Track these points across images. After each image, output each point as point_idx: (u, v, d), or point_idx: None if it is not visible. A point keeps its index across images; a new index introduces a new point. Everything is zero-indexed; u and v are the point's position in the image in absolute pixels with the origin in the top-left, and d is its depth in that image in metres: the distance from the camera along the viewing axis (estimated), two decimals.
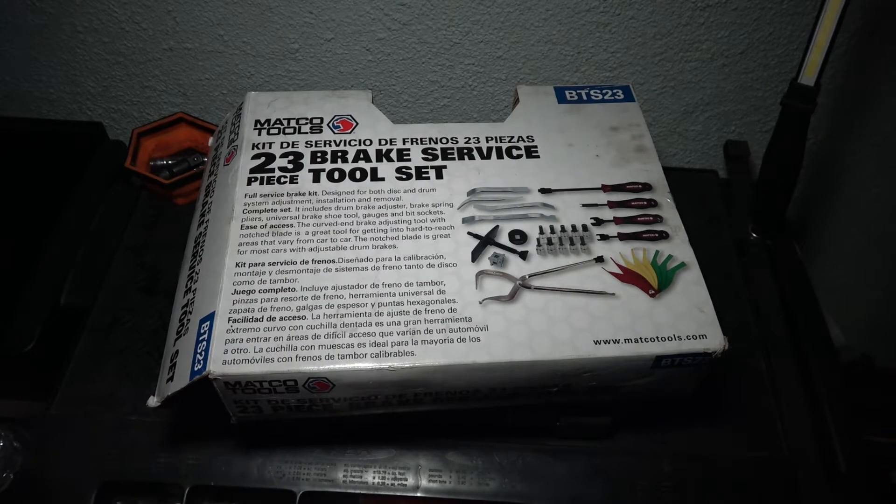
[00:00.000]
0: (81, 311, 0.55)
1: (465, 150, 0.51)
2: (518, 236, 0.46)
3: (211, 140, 0.56)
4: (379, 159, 0.50)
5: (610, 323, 0.42)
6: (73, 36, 0.69)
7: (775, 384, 0.53)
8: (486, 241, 0.46)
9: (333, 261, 0.44)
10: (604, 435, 0.49)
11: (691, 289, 0.44)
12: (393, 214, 0.47)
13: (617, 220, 0.47)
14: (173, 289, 0.47)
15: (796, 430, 0.50)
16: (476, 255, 0.45)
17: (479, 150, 0.51)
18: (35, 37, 0.70)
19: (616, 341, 0.41)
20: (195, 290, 0.44)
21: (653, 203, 0.48)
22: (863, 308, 0.93)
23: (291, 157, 0.49)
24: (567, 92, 0.56)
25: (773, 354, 0.54)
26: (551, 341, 0.41)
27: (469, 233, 0.46)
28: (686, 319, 0.43)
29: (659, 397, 0.46)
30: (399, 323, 0.41)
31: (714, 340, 0.42)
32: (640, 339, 0.42)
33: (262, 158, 0.49)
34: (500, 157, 0.51)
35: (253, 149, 0.50)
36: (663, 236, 0.46)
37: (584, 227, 0.47)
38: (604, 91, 0.56)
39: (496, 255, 0.45)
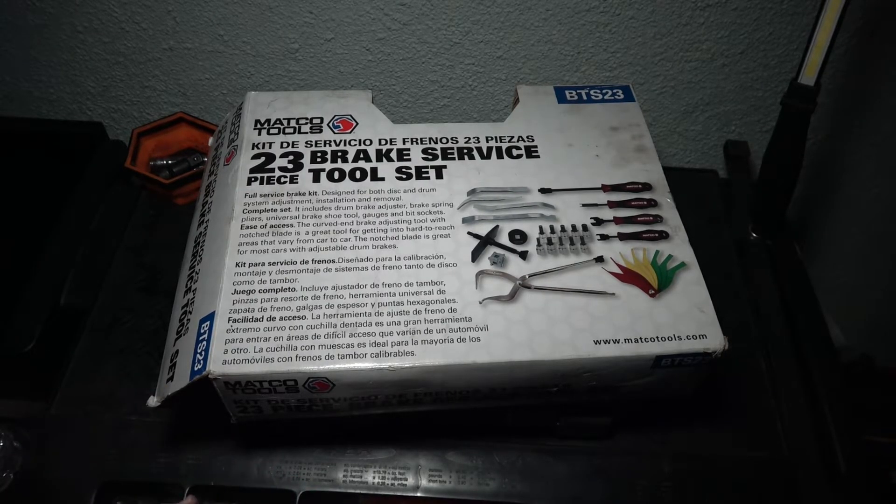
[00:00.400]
0: (81, 311, 0.55)
1: (465, 150, 0.51)
2: (518, 236, 0.46)
3: (211, 140, 0.56)
4: (379, 159, 0.50)
5: (610, 323, 0.42)
6: (73, 36, 0.69)
7: (775, 384, 0.53)
8: (486, 241, 0.46)
9: (333, 261, 0.44)
10: (604, 435, 0.49)
11: (691, 289, 0.44)
12: (393, 214, 0.47)
13: (617, 220, 0.47)
14: (173, 289, 0.47)
15: (796, 430, 0.50)
16: (476, 255, 0.45)
17: (479, 150, 0.51)
18: (35, 37, 0.70)
19: (616, 341, 0.41)
20: (195, 290, 0.44)
21: (653, 203, 0.48)
22: (863, 308, 0.93)
23: (291, 157, 0.49)
24: (567, 92, 0.56)
25: (773, 354, 0.54)
26: (551, 341, 0.41)
27: (469, 233, 0.46)
28: (686, 319, 0.43)
29: (659, 397, 0.46)
30: (399, 323, 0.41)
31: (714, 340, 0.42)
32: (640, 339, 0.42)
33: (262, 158, 0.49)
34: (500, 157, 0.51)
35: (253, 149, 0.50)
36: (663, 236, 0.46)
37: (584, 227, 0.47)
38: (604, 91, 0.56)
39: (496, 255, 0.45)
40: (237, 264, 0.43)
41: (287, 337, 0.40)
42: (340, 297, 0.42)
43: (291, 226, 0.46)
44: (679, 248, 0.46)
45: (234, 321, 0.41)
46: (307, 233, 0.45)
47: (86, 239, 0.60)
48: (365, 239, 0.45)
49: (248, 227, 0.45)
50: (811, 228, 0.85)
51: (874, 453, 0.74)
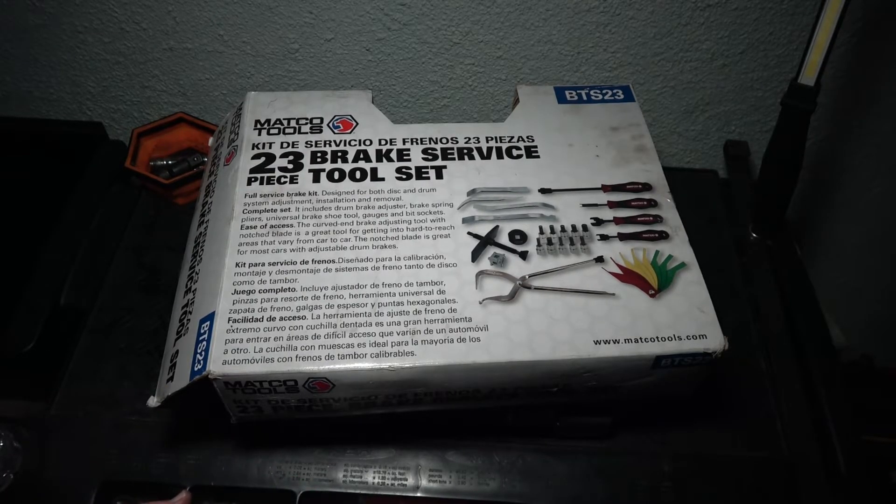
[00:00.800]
0: (81, 311, 0.55)
1: (465, 150, 0.51)
2: (518, 236, 0.46)
3: (211, 140, 0.56)
4: (379, 159, 0.50)
5: (610, 323, 0.42)
6: (73, 36, 0.69)
7: (775, 384, 0.53)
8: (486, 241, 0.46)
9: (333, 261, 0.44)
10: (604, 435, 0.49)
11: (691, 289, 0.44)
12: (393, 214, 0.47)
13: (617, 220, 0.47)
14: (173, 289, 0.47)
15: (796, 430, 0.50)
16: (476, 255, 0.45)
17: (479, 150, 0.51)
18: (35, 37, 0.70)
19: (616, 341, 0.41)
20: (195, 290, 0.44)
21: (653, 203, 0.48)
22: (863, 308, 0.93)
23: (291, 157, 0.49)
24: (567, 92, 0.56)
25: (773, 354, 0.54)
26: (551, 341, 0.41)
27: (469, 233, 0.46)
28: (686, 319, 0.43)
29: (659, 397, 0.46)
30: (399, 323, 0.41)
31: (714, 340, 0.42)
32: (640, 339, 0.42)
33: (262, 158, 0.49)
34: (500, 157, 0.51)
35: (253, 149, 0.50)
36: (663, 236, 0.46)
37: (584, 227, 0.47)
38: (604, 91, 0.56)
39: (496, 255, 0.45)
40: (237, 264, 0.43)
41: (287, 337, 0.40)
42: (340, 298, 0.42)
43: (291, 226, 0.46)
44: (679, 248, 0.46)
45: (234, 321, 0.41)
46: (307, 233, 0.45)
47: (86, 239, 0.60)
48: (365, 239, 0.45)
49: (248, 228, 0.45)
50: (811, 228, 0.85)
51: (874, 453, 0.74)
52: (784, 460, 0.49)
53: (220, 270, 0.43)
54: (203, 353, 0.40)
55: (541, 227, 0.46)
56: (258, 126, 0.51)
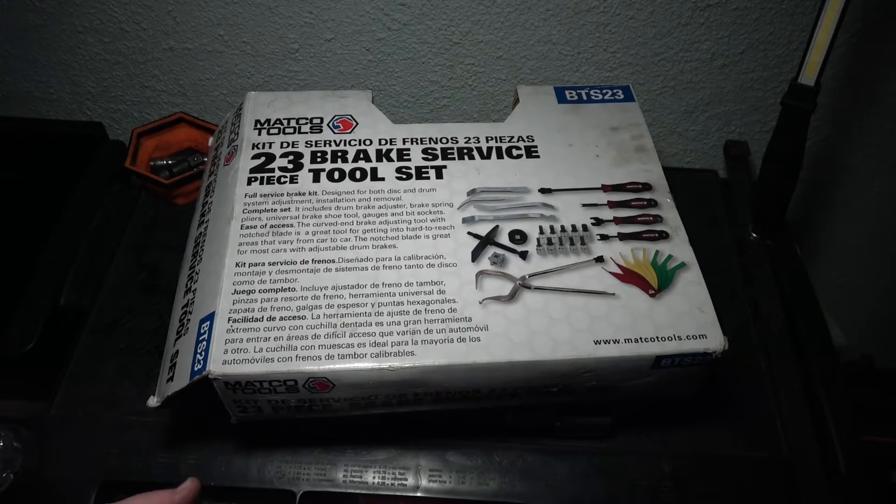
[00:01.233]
0: (81, 311, 0.55)
1: (465, 150, 0.51)
2: (518, 236, 0.46)
3: (211, 140, 0.56)
4: (379, 159, 0.50)
5: (610, 323, 0.42)
6: (73, 36, 0.69)
7: (775, 384, 0.53)
8: (486, 241, 0.46)
9: (333, 261, 0.44)
10: (604, 435, 0.49)
11: (691, 289, 0.44)
12: (393, 214, 0.47)
13: (617, 220, 0.47)
14: (173, 289, 0.47)
15: (796, 430, 0.50)
16: (476, 255, 0.45)
17: (479, 149, 0.51)
18: (35, 37, 0.70)
19: (616, 341, 0.41)
20: (195, 290, 0.44)
21: (653, 203, 0.48)
22: (863, 308, 0.93)
23: (291, 157, 0.49)
24: (567, 92, 0.56)
25: (773, 354, 0.54)
26: (551, 341, 0.41)
27: (469, 233, 0.46)
28: (686, 319, 0.43)
29: (659, 397, 0.46)
30: (399, 323, 0.41)
31: (714, 340, 0.42)
32: (640, 339, 0.42)
33: (262, 158, 0.49)
34: (500, 156, 0.51)
35: (253, 149, 0.50)
36: (663, 236, 0.46)
37: (584, 227, 0.47)
38: (604, 91, 0.56)
39: (496, 255, 0.45)
40: (237, 264, 0.43)
41: (287, 337, 0.40)
42: (340, 297, 0.42)
43: (291, 226, 0.46)
44: (679, 248, 0.46)
45: (234, 321, 0.41)
46: (307, 233, 0.45)
47: (86, 239, 0.60)
48: (365, 239, 0.45)
49: (248, 227, 0.45)
50: (811, 228, 0.85)
51: (874, 453, 0.74)
52: (784, 460, 0.49)
53: (220, 270, 0.43)
54: (203, 352, 0.40)
55: (541, 227, 0.46)
56: (258, 126, 0.51)
